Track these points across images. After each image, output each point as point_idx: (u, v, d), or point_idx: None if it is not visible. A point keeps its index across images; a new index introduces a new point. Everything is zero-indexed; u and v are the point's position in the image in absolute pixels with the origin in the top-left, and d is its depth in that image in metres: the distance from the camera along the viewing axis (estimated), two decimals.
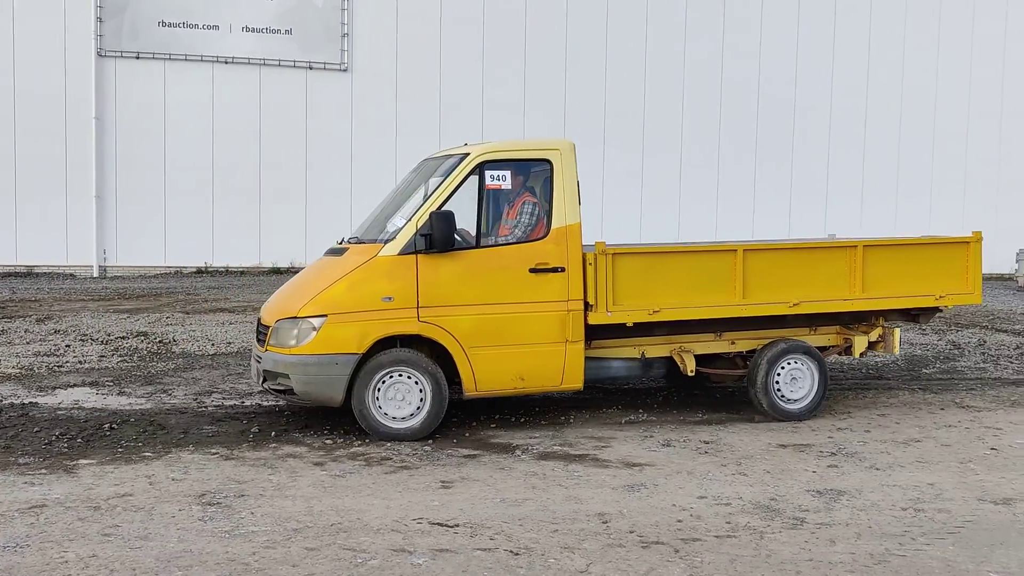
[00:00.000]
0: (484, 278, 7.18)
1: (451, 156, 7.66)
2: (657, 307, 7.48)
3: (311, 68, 20.79)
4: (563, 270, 7.29)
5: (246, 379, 9.29)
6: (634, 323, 7.49)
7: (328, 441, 7.13)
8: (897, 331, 8.48)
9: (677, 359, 7.85)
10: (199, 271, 20.41)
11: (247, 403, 8.34)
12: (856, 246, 8.10)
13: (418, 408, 7.08)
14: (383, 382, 7.02)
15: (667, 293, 7.54)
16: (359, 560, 4.80)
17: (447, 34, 21.28)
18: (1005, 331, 13.44)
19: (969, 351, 11.65)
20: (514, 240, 7.33)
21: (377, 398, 7.03)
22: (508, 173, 7.32)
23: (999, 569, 4.80)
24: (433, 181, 7.58)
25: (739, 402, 8.50)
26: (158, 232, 20.18)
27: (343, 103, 20.91)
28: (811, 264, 8.04)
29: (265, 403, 8.33)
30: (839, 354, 8.46)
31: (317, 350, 6.87)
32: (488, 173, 7.26)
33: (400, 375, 7.04)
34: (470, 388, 7.18)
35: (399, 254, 7.01)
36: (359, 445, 7.01)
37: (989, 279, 23.05)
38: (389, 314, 6.95)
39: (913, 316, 8.66)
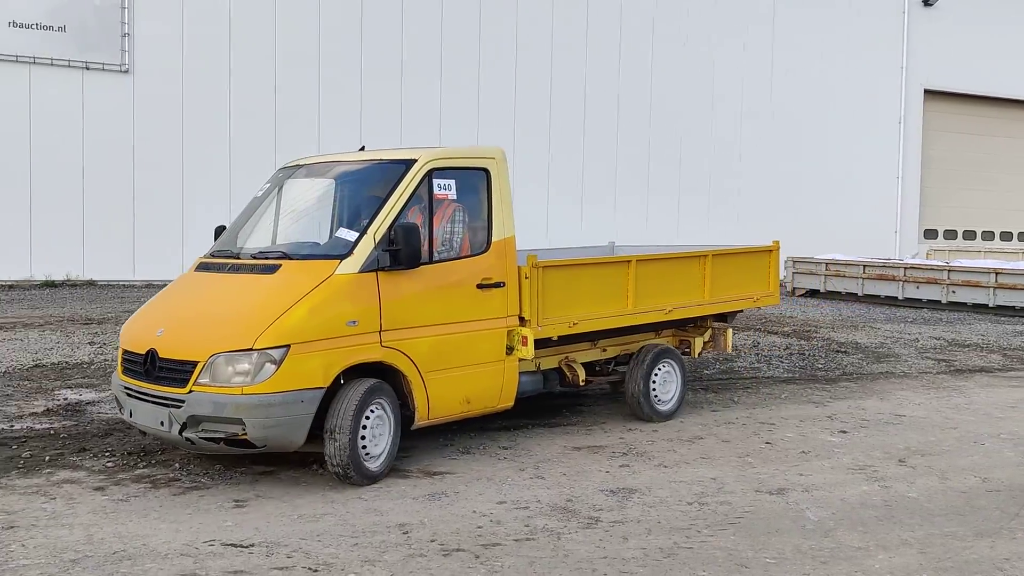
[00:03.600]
0: (439, 296, 6.69)
1: (358, 163, 7.22)
2: (575, 319, 7.50)
3: (88, 68, 19.53)
4: (504, 285, 7.03)
5: (15, 401, 8.58)
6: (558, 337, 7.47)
7: (109, 464, 6.68)
8: (730, 331, 9.17)
9: (566, 370, 7.87)
10: None
11: (16, 426, 7.69)
12: (707, 255, 8.71)
13: (387, 446, 6.40)
14: (367, 417, 6.22)
15: (580, 305, 7.57)
16: None
17: (237, 35, 20.56)
18: (776, 333, 14.47)
19: (745, 352, 12.45)
20: (454, 255, 6.90)
21: (364, 437, 6.22)
22: (453, 182, 6.90)
23: (775, 555, 5.14)
24: (348, 190, 7.25)
25: (536, 408, 8.67)
26: None
27: (124, 106, 19.77)
28: (678, 272, 8.54)
29: (38, 426, 7.71)
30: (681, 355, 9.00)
31: (280, 387, 5.85)
32: (436, 182, 6.78)
33: (375, 409, 6.29)
34: (423, 416, 6.60)
35: (359, 272, 6.24)
36: (144, 467, 6.61)
37: None
38: (354, 340, 6.15)
39: (722, 318, 9.25)
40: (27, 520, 5.48)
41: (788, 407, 9.10)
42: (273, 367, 5.86)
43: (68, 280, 19.19)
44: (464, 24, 22.43)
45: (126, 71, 19.82)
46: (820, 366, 11.61)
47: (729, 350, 9.32)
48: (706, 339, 9.10)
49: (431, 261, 6.65)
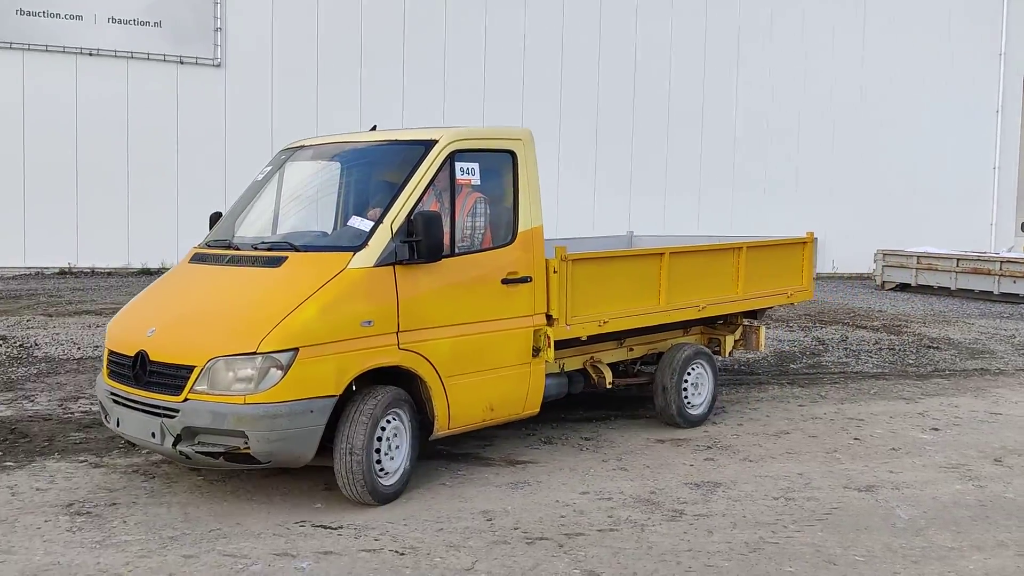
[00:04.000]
0: (462, 292, 6.08)
1: (370, 143, 6.67)
2: (605, 317, 6.97)
3: (182, 62, 20.11)
4: (531, 280, 6.43)
5: None
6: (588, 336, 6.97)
7: None
8: (762, 328, 8.65)
9: (591, 371, 7.37)
10: (62, 272, 19.47)
11: None
12: (742, 247, 8.20)
13: (403, 461, 5.82)
14: (382, 429, 5.65)
15: (610, 301, 7.05)
16: (240, 567, 4.67)
17: (324, 30, 20.93)
18: (865, 327, 14.14)
19: (833, 347, 12.20)
20: (477, 247, 6.28)
21: (379, 451, 5.63)
22: (476, 166, 6.27)
23: (864, 553, 5.05)
24: (359, 174, 6.74)
25: (618, 400, 8.66)
26: (16, 231, 19.15)
27: (216, 99, 20.31)
28: (711, 266, 8.03)
29: None
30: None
31: (288, 395, 5.24)
32: (459, 165, 6.15)
33: (392, 420, 5.71)
34: (443, 426, 6.00)
35: (375, 265, 5.62)
36: None
37: (850, 278, 24.23)
38: (369, 342, 5.54)
39: (752, 314, 8.78)
40: (128, 498, 5.71)
41: (878, 403, 8.90)
42: (279, 373, 5.25)
43: (163, 267, 19.81)
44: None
45: (218, 65, 20.34)
46: (911, 362, 11.31)
47: (762, 349, 8.82)
48: (737, 337, 8.58)
49: (452, 254, 6.05)
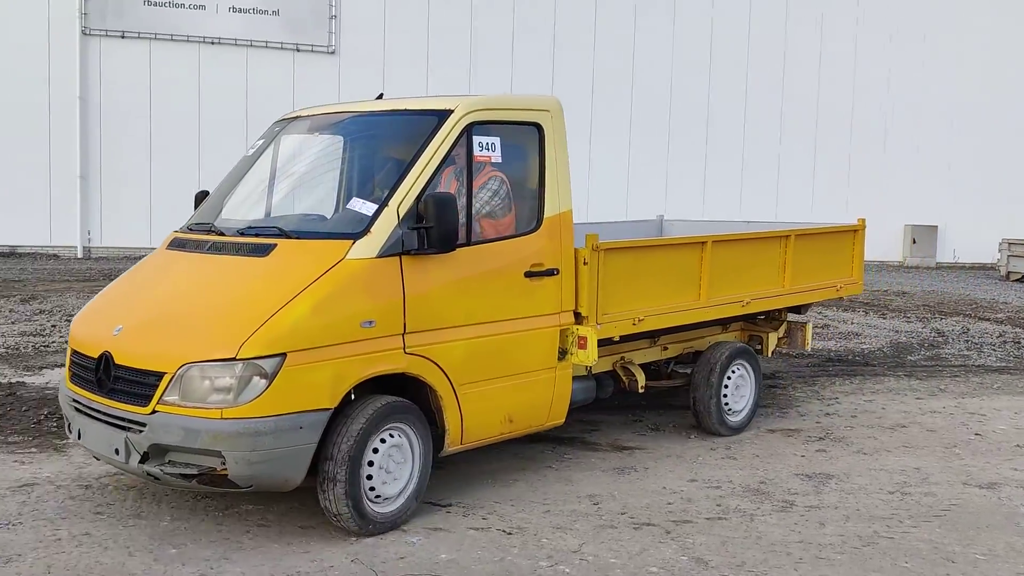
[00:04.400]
0: (479, 287, 5.29)
1: (375, 114, 5.83)
2: (640, 314, 6.19)
3: (298, 50, 20.66)
4: (557, 272, 5.62)
5: None
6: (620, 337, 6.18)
7: None
8: (808, 325, 7.90)
9: (620, 372, 6.57)
10: None
11: None
12: (789, 235, 7.39)
13: (407, 483, 5.03)
14: (375, 451, 4.83)
15: (645, 296, 6.28)
16: (352, 538, 4.81)
17: (435, 17, 21.17)
18: (988, 319, 13.56)
19: (953, 339, 11.75)
20: (498, 235, 5.49)
21: (370, 475, 4.83)
22: (497, 140, 5.43)
23: (985, 551, 4.87)
24: (363, 149, 5.99)
25: None
26: (143, 213, 20.03)
27: (330, 85, 20.79)
28: (756, 256, 7.22)
29: None
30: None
31: (272, 409, 4.47)
32: (477, 140, 5.33)
33: (394, 435, 4.94)
34: (455, 441, 5.23)
35: (379, 256, 4.84)
36: None
37: (972, 268, 23.26)
38: (370, 345, 4.77)
39: (796, 309, 7.97)
40: None
41: (1001, 398, 8.54)
42: (263, 382, 4.47)
43: None
44: None
45: (333, 52, 20.82)
46: None
47: (808, 348, 8.03)
48: (780, 335, 7.82)
49: (469, 242, 5.21)
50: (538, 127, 5.67)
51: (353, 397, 4.80)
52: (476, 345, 5.23)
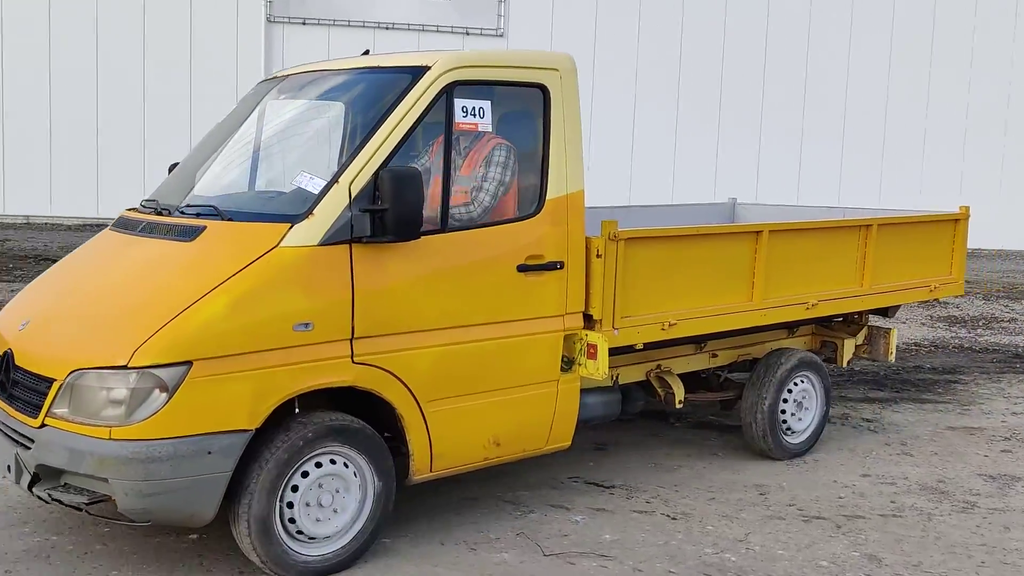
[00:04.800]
0: (456, 283, 4.38)
1: (345, 72, 4.91)
2: (672, 317, 5.16)
3: (468, 34, 21.07)
4: (561, 266, 4.66)
5: None
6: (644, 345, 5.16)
7: None
8: (894, 331, 6.70)
9: (655, 383, 5.61)
10: None
11: None
12: (871, 224, 6.23)
13: (354, 519, 4.20)
14: (302, 476, 4.02)
15: (680, 295, 5.25)
16: (518, 512, 4.91)
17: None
18: None
19: None
20: (482, 219, 4.52)
21: (291, 511, 4.01)
22: (487, 105, 4.51)
23: None
24: (328, 114, 5.12)
25: (901, 381, 8.16)
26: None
27: None
28: (825, 249, 6.08)
29: None
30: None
31: (173, 430, 3.70)
32: (460, 104, 4.41)
33: (335, 461, 4.11)
34: (423, 468, 4.37)
35: (321, 244, 3.99)
36: None
37: None
38: (306, 353, 3.95)
39: (882, 312, 6.83)
40: None
41: None
42: (163, 396, 3.69)
43: None
44: None
45: (501, 35, 21.10)
46: None
47: (891, 358, 6.71)
48: (859, 341, 6.64)
49: (443, 228, 4.32)
50: (543, 89, 4.68)
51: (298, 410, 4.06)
52: (450, 354, 4.35)
